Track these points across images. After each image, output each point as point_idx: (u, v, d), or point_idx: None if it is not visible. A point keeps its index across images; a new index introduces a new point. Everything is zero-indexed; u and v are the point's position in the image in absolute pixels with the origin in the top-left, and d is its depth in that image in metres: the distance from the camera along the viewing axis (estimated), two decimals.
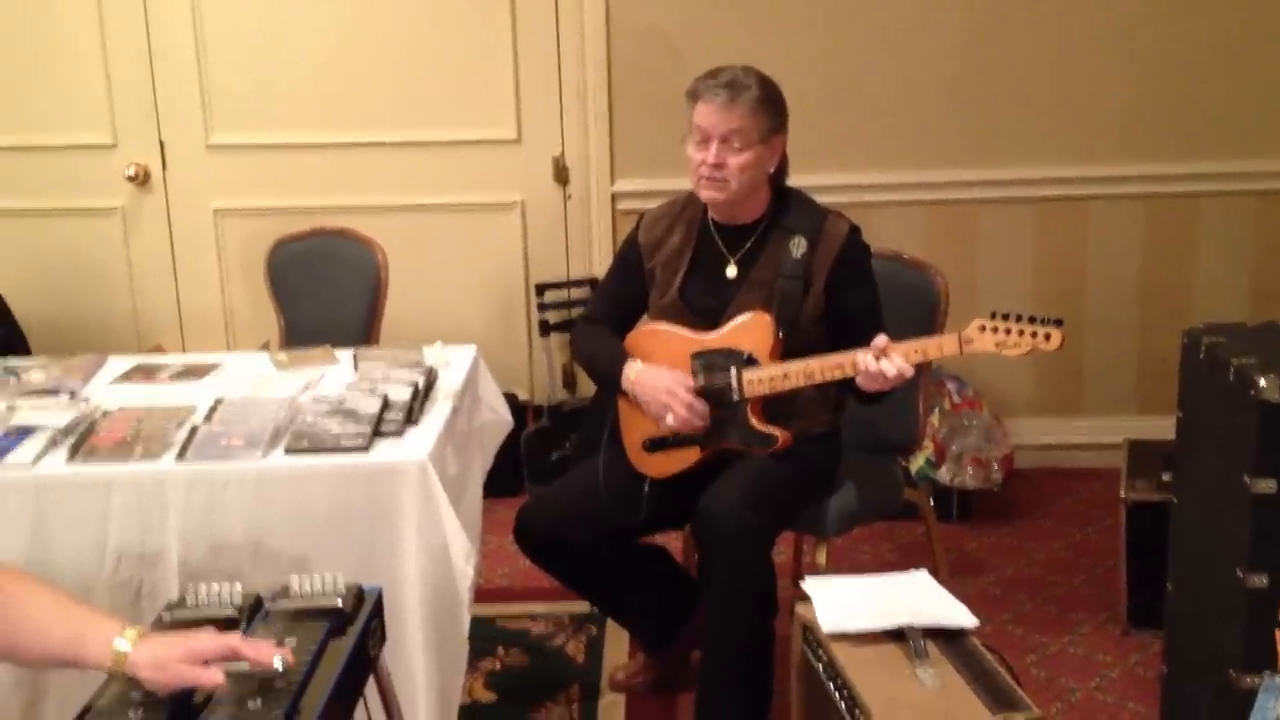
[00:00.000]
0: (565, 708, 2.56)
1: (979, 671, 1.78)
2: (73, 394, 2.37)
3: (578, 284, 3.67)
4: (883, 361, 2.15)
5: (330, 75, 3.62)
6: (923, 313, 2.60)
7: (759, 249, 2.35)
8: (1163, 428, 2.53)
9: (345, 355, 2.55)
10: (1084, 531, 3.35)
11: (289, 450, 2.07)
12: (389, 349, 2.55)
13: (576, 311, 3.53)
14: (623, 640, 2.77)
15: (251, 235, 3.64)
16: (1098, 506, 3.45)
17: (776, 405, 2.32)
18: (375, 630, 1.60)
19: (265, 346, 3.20)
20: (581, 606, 2.82)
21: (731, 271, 2.36)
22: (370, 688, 1.61)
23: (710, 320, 2.35)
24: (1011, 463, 3.43)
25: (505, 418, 2.67)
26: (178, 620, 1.52)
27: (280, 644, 1.42)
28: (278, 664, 1.35)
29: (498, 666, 2.72)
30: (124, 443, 2.10)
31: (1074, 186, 3.60)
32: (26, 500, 2.02)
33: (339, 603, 1.55)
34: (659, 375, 2.31)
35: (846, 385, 2.27)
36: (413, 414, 2.19)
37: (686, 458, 2.37)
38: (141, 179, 3.71)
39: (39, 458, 2.07)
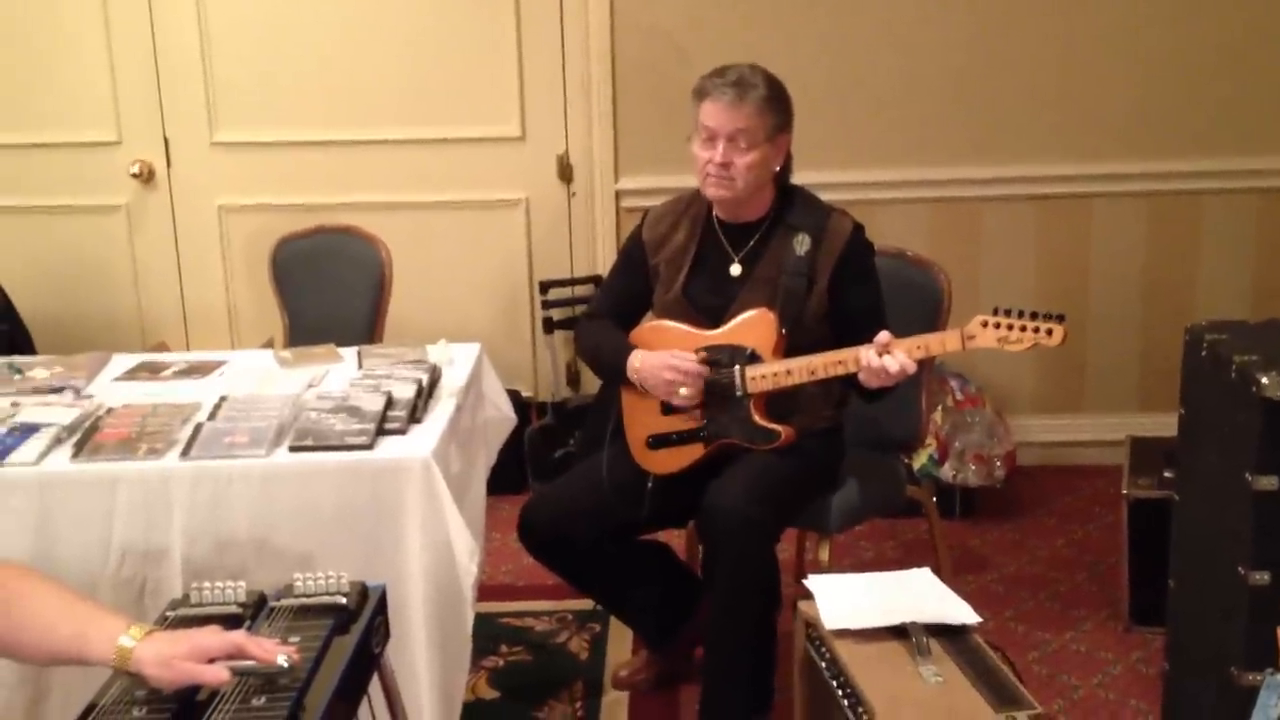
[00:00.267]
0: (569, 705, 2.57)
1: (981, 669, 1.78)
2: (77, 392, 2.37)
3: (581, 281, 3.68)
4: (885, 358, 2.15)
5: (335, 72, 3.62)
6: (926, 310, 2.60)
7: (763, 246, 2.36)
8: (1165, 425, 2.53)
9: (349, 353, 2.56)
10: (1086, 528, 3.35)
11: (293, 448, 2.08)
12: (393, 346, 2.55)
13: (580, 309, 3.54)
14: (626, 637, 2.77)
15: (256, 232, 3.64)
16: (1100, 503, 3.45)
17: (779, 402, 2.33)
18: (379, 627, 1.61)
19: (269, 344, 3.21)
20: (585, 604, 2.82)
21: (735, 269, 2.37)
22: (374, 685, 1.62)
23: (714, 317, 2.35)
24: (1014, 460, 3.43)
25: (509, 415, 2.68)
26: (182, 618, 1.52)
27: (284, 641, 1.43)
28: (282, 662, 1.36)
29: (501, 664, 2.73)
30: (128, 440, 2.11)
31: (1077, 184, 3.60)
32: (31, 498, 2.02)
33: (343, 600, 1.55)
34: (660, 355, 2.31)
35: (849, 382, 2.27)
36: (416, 411, 2.19)
37: (690, 454, 2.37)
38: (146, 176, 3.72)
39: (43, 455, 2.07)
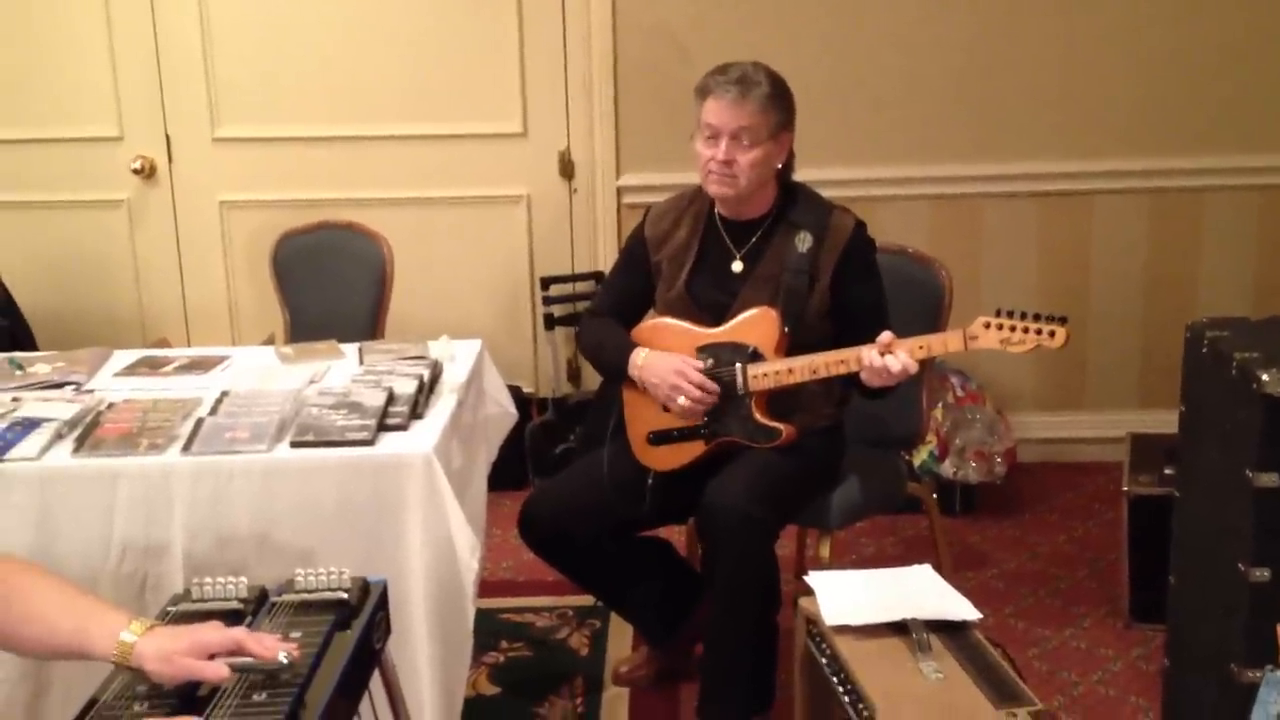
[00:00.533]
0: (569, 701, 2.57)
1: (982, 665, 1.79)
2: (78, 387, 2.37)
3: (583, 278, 3.68)
4: (887, 357, 2.15)
5: (336, 68, 3.62)
6: (927, 307, 2.60)
7: (765, 244, 2.35)
8: (1165, 422, 2.53)
9: (350, 349, 2.56)
10: (1086, 525, 3.35)
11: (294, 443, 2.08)
12: (394, 342, 2.56)
13: (581, 305, 3.54)
14: (626, 633, 2.77)
15: (257, 228, 3.64)
16: (1100, 500, 3.45)
17: (780, 400, 2.33)
18: (380, 623, 1.61)
19: (270, 340, 3.21)
20: (585, 600, 2.82)
21: (737, 266, 2.36)
22: (375, 681, 1.62)
23: (716, 315, 2.35)
24: (1014, 456, 3.44)
25: (510, 411, 2.68)
26: (183, 613, 1.53)
27: (285, 637, 1.43)
28: (282, 658, 1.36)
29: (501, 660, 2.73)
30: (129, 435, 2.11)
31: (1079, 181, 3.60)
32: (32, 493, 2.02)
33: (344, 596, 1.55)
34: (667, 358, 2.31)
35: (850, 380, 2.28)
36: (418, 407, 2.19)
37: (690, 451, 2.37)
38: (147, 172, 3.72)
39: (44, 451, 2.08)
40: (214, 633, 1.37)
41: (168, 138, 3.70)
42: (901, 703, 1.71)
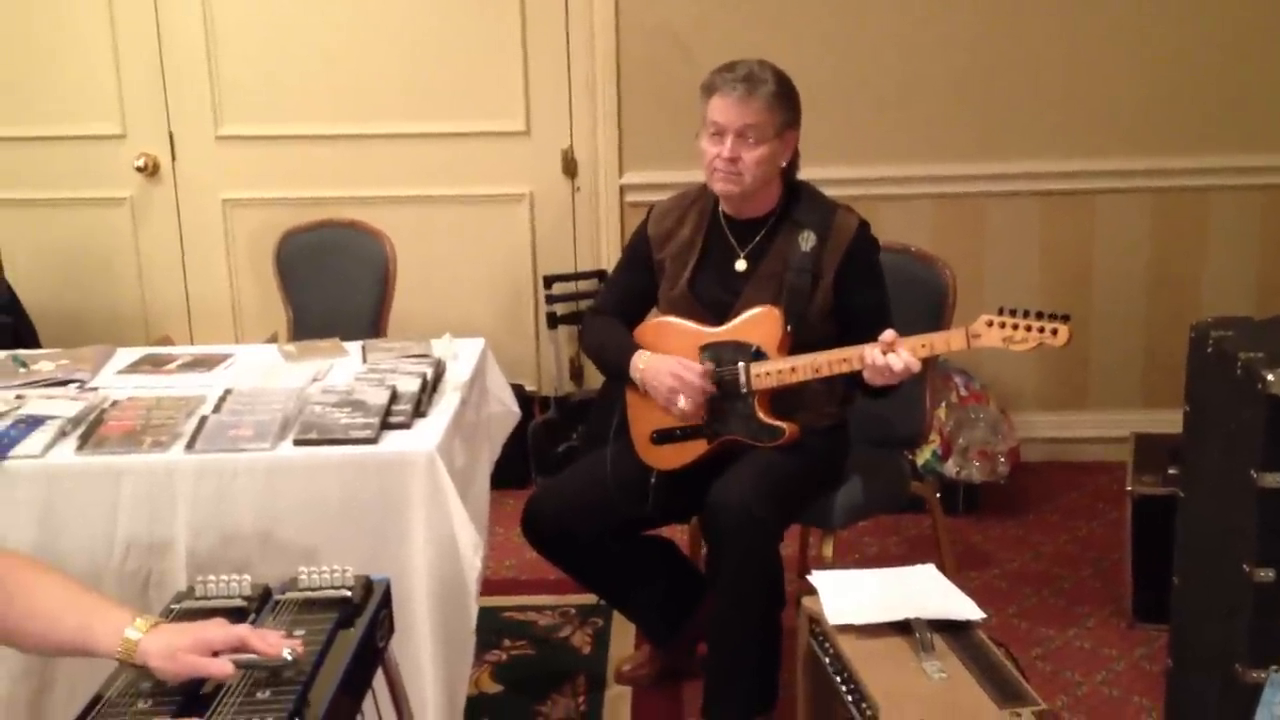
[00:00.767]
0: (571, 700, 2.57)
1: (985, 665, 1.78)
2: (82, 384, 2.37)
3: (585, 276, 3.68)
4: (890, 356, 2.15)
5: (339, 67, 3.62)
6: (930, 306, 2.60)
7: (768, 243, 2.35)
8: (1168, 422, 2.53)
9: (354, 347, 2.56)
10: (1090, 525, 3.35)
11: (298, 441, 2.08)
12: (397, 341, 2.56)
13: (584, 304, 3.54)
14: (629, 632, 2.77)
15: (260, 226, 3.65)
16: (1103, 500, 3.45)
17: (784, 398, 2.33)
18: (384, 621, 1.61)
19: (273, 338, 3.21)
20: (588, 598, 2.82)
21: (741, 265, 2.36)
22: (378, 679, 1.62)
23: (719, 313, 2.35)
24: (1018, 456, 3.43)
25: (513, 409, 2.68)
26: (187, 610, 1.53)
27: (289, 635, 1.43)
28: (286, 655, 1.36)
29: (504, 658, 2.73)
30: (133, 433, 2.11)
31: (1081, 180, 3.60)
32: (36, 490, 2.02)
33: (348, 594, 1.55)
34: (666, 361, 2.31)
35: (853, 379, 2.27)
36: (421, 406, 2.19)
37: (694, 450, 2.37)
38: (151, 170, 3.72)
39: (48, 448, 2.08)
40: (218, 630, 1.38)
41: (171, 136, 3.71)
42: (904, 702, 1.71)
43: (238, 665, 1.35)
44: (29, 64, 3.64)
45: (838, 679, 1.85)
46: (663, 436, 2.38)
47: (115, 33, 3.62)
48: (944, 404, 3.37)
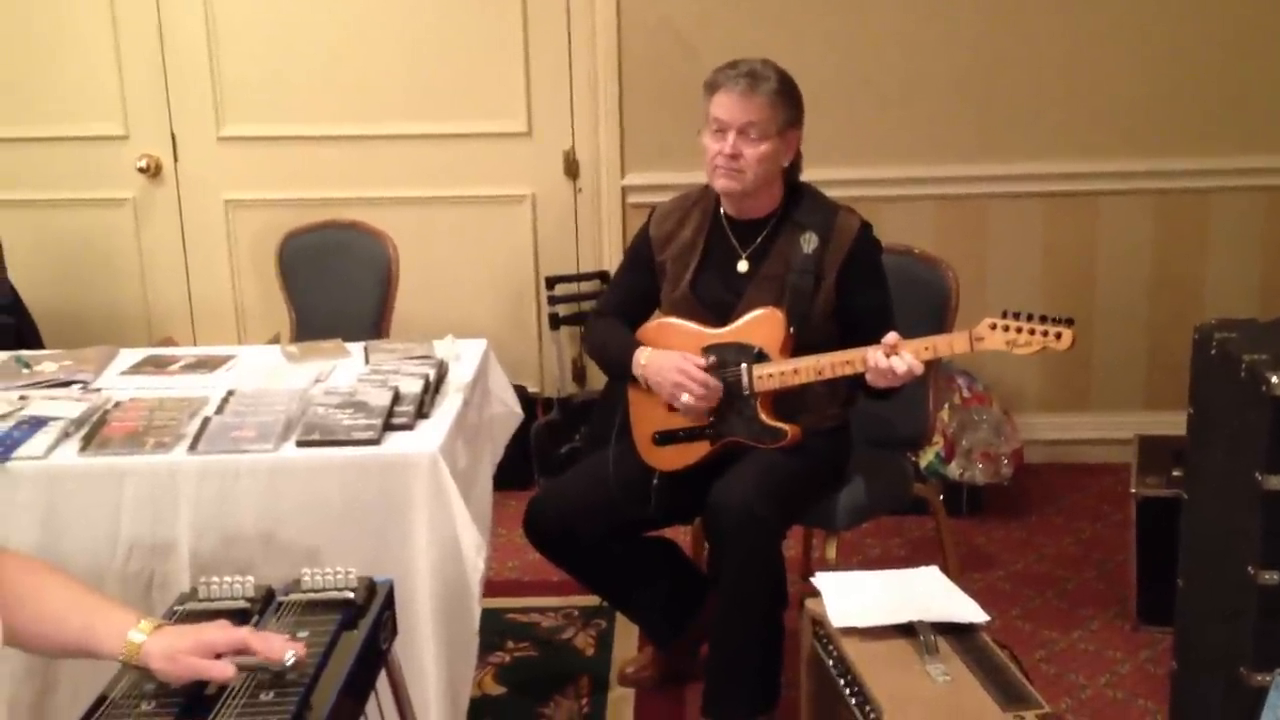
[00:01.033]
0: (574, 701, 2.57)
1: (989, 667, 1.78)
2: (85, 385, 2.37)
3: (587, 277, 3.68)
4: (893, 358, 2.14)
5: (342, 68, 3.62)
6: (933, 307, 2.60)
7: (770, 244, 2.35)
8: (1171, 423, 2.53)
9: (356, 348, 2.56)
10: (1094, 527, 3.34)
11: (300, 443, 2.08)
12: (400, 342, 2.55)
13: (587, 305, 3.54)
14: (632, 634, 2.77)
15: (262, 227, 3.65)
16: (1107, 502, 3.45)
17: (786, 400, 2.32)
18: (387, 623, 1.60)
19: (276, 339, 3.21)
20: (591, 600, 2.82)
21: (743, 266, 2.36)
22: (381, 681, 1.62)
23: (721, 315, 2.35)
24: (1021, 458, 3.43)
25: (516, 411, 2.67)
26: (190, 612, 1.52)
27: (293, 637, 1.43)
28: (288, 659, 1.35)
29: (507, 660, 2.73)
30: (136, 434, 2.11)
31: (1084, 182, 3.59)
32: (39, 491, 2.02)
33: (351, 595, 1.55)
34: (669, 356, 2.31)
35: (856, 380, 2.27)
36: (424, 407, 2.19)
37: (696, 451, 2.37)
38: (153, 170, 3.72)
39: (51, 449, 2.08)
40: (220, 632, 1.37)
41: (173, 136, 3.71)
42: (908, 705, 1.70)
43: (240, 668, 1.35)
44: (31, 65, 3.64)
45: (841, 681, 1.85)
46: (665, 438, 2.38)
47: (117, 33, 3.62)
48: (947, 406, 3.36)
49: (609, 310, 2.52)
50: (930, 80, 3.55)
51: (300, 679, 1.37)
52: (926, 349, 2.17)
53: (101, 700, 1.36)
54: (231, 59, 3.63)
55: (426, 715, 1.98)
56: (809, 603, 1.98)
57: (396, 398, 2.18)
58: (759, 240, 2.36)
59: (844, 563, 2.49)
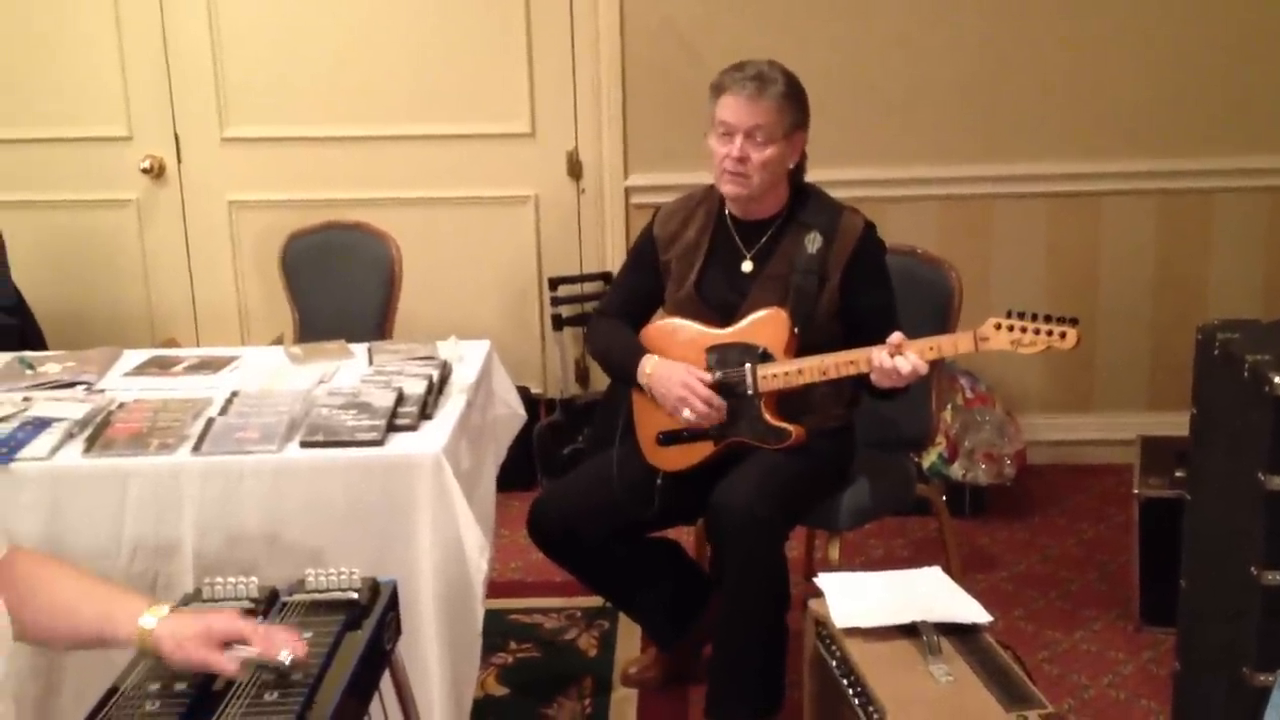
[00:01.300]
0: (577, 702, 2.57)
1: (993, 668, 1.78)
2: (89, 386, 2.38)
3: (591, 278, 3.68)
4: (898, 358, 2.14)
5: (345, 69, 3.62)
6: (937, 308, 2.60)
7: (775, 244, 2.35)
8: (1175, 424, 2.52)
9: (360, 349, 2.56)
10: (1096, 528, 3.34)
11: (304, 443, 2.08)
12: (403, 343, 2.56)
13: (590, 306, 3.54)
14: (635, 635, 2.77)
15: (266, 228, 3.65)
16: (1110, 503, 3.44)
17: (790, 401, 2.32)
18: (390, 624, 1.61)
19: (279, 340, 3.21)
20: (594, 601, 2.82)
21: (747, 266, 2.36)
22: (385, 681, 1.62)
23: (726, 315, 2.35)
24: (1024, 458, 3.43)
25: (519, 412, 2.67)
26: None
27: (298, 637, 1.43)
28: (284, 658, 1.36)
29: (510, 661, 2.73)
30: (140, 435, 2.11)
31: (1087, 182, 3.59)
32: (43, 492, 2.03)
33: (355, 596, 1.55)
34: (675, 369, 2.31)
35: (860, 381, 2.27)
36: (427, 408, 2.19)
37: (700, 451, 2.37)
38: (156, 171, 3.73)
39: (55, 450, 2.08)
40: (224, 621, 1.39)
41: (176, 138, 3.71)
42: (911, 705, 1.71)
43: (245, 665, 1.36)
44: (35, 66, 3.65)
45: (844, 682, 1.85)
46: (669, 438, 2.38)
47: (121, 35, 3.63)
48: (950, 406, 3.36)
49: (612, 310, 2.52)
50: (934, 82, 3.55)
51: (305, 679, 1.38)
52: (931, 349, 2.17)
53: (113, 692, 1.37)
54: (235, 60, 3.64)
55: (430, 716, 1.98)
56: (812, 603, 1.99)
57: (400, 399, 2.18)
58: (764, 240, 2.36)
59: (846, 563, 2.49)
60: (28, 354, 2.57)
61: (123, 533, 2.02)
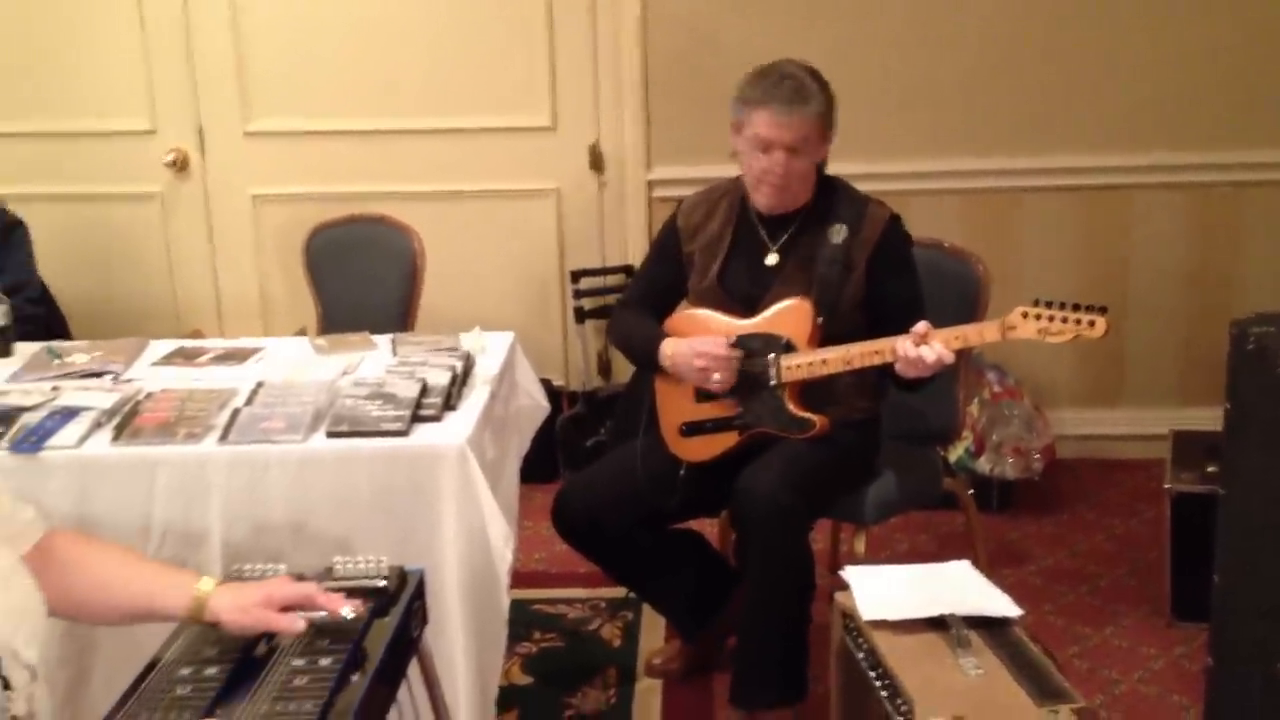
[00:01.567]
0: (602, 692, 2.56)
1: (1023, 661, 1.76)
2: (116, 376, 2.39)
3: (613, 271, 3.67)
4: (923, 347, 2.13)
5: (367, 62, 3.63)
6: (963, 301, 2.57)
7: (799, 235, 2.34)
8: (1204, 419, 2.49)
9: (383, 340, 2.56)
10: (1127, 523, 3.30)
11: (331, 433, 2.08)
12: (427, 335, 2.55)
13: (612, 298, 3.53)
14: (658, 625, 2.76)
15: (289, 221, 3.66)
16: (1140, 498, 3.41)
17: (814, 392, 2.31)
18: (418, 612, 1.61)
19: (302, 332, 3.22)
20: (617, 591, 2.81)
21: (771, 259, 2.35)
22: (412, 668, 1.62)
23: (749, 306, 2.34)
24: (1053, 452, 3.39)
25: (542, 404, 2.67)
26: None
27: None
28: (347, 614, 1.41)
29: (534, 650, 2.73)
30: (167, 424, 2.12)
31: (1117, 175, 3.55)
32: (72, 479, 2.03)
33: (383, 583, 1.55)
34: (690, 342, 2.30)
35: (886, 373, 2.25)
36: (451, 399, 2.19)
37: (723, 442, 2.36)
38: (180, 165, 3.74)
39: (83, 439, 2.09)
40: (285, 586, 1.44)
41: (200, 131, 3.72)
42: (940, 697, 1.69)
43: (309, 623, 1.40)
44: (60, 60, 3.67)
45: (872, 674, 1.83)
46: (692, 428, 2.37)
47: (145, 29, 3.64)
48: (977, 400, 3.33)
49: (634, 301, 2.51)
50: (961, 73, 3.51)
51: (334, 665, 1.38)
52: (957, 338, 2.16)
53: (153, 664, 1.40)
54: (257, 54, 3.64)
55: (456, 703, 1.98)
56: (838, 596, 1.97)
57: (424, 390, 2.18)
58: (788, 232, 2.35)
59: (872, 557, 2.47)
60: (55, 343, 2.58)
61: (151, 521, 2.03)
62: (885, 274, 2.30)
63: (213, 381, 2.33)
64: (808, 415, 2.29)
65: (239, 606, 1.40)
